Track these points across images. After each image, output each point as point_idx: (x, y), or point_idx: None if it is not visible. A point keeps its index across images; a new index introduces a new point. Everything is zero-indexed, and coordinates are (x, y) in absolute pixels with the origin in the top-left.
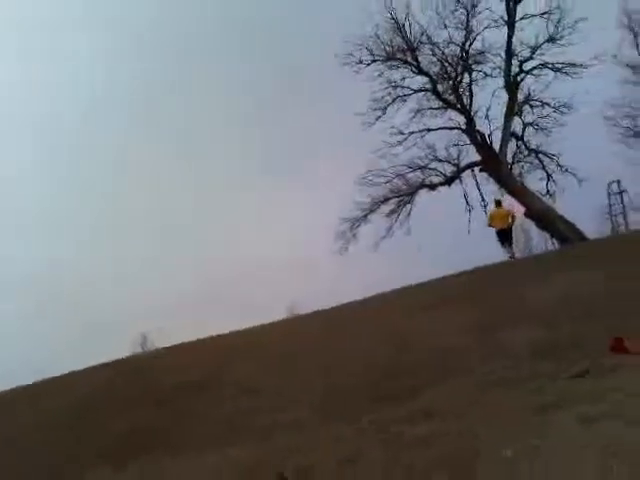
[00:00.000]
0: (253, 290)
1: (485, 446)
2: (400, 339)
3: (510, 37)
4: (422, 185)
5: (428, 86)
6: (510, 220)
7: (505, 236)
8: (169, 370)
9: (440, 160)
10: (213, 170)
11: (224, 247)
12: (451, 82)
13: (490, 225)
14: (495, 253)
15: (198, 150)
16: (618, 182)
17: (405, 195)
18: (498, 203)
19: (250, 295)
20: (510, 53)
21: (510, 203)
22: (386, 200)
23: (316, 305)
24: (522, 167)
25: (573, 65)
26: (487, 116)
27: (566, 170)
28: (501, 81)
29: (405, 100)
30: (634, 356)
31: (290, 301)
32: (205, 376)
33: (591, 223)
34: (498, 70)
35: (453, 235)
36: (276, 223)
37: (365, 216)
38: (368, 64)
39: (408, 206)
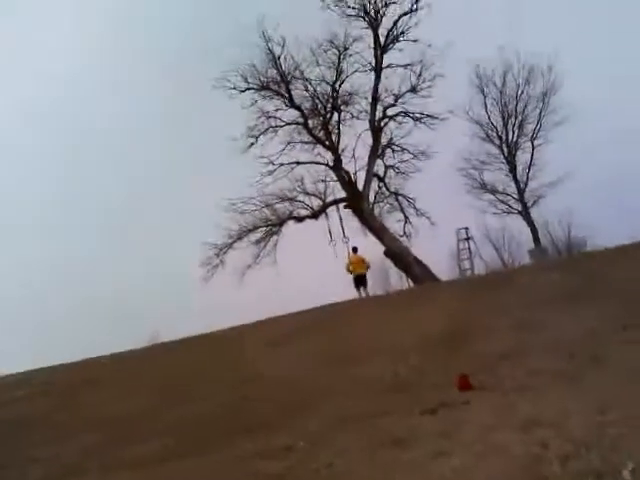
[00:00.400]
0: None
1: None
2: (252, 373)
3: (376, 83)
4: (290, 217)
5: (300, 120)
6: (366, 266)
7: (361, 280)
8: None
9: (308, 193)
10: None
11: None
12: (321, 119)
13: (348, 270)
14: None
15: None
16: (466, 229)
17: (273, 225)
18: (355, 250)
19: None
20: (376, 98)
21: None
22: (255, 229)
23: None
24: (382, 207)
25: (431, 116)
26: (353, 155)
27: (421, 214)
28: (367, 123)
29: (276, 131)
30: (480, 391)
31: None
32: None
33: (443, 264)
34: (364, 113)
35: (318, 267)
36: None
37: (232, 243)
38: (242, 91)
39: (275, 237)
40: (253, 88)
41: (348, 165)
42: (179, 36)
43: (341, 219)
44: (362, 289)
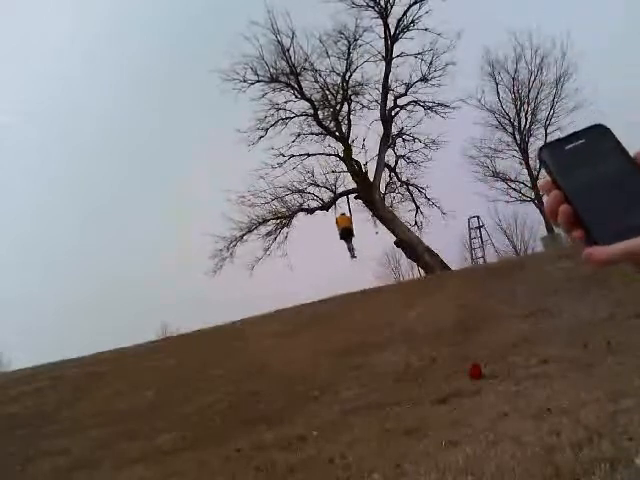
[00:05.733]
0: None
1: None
2: (262, 364)
3: (387, 73)
4: (300, 209)
5: (310, 111)
6: (350, 222)
7: (348, 233)
8: None
9: (318, 185)
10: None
11: None
12: (331, 110)
13: (337, 224)
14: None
15: None
16: (477, 217)
17: (283, 218)
18: (342, 214)
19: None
20: (386, 88)
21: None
22: (265, 221)
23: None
24: (393, 197)
25: (442, 105)
26: (363, 146)
27: (433, 203)
28: (377, 113)
29: (286, 123)
30: (492, 380)
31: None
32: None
33: (455, 253)
34: (375, 103)
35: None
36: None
37: (242, 236)
38: (252, 83)
39: (286, 229)
40: (263, 80)
41: (358, 156)
42: (187, 29)
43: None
44: (349, 241)
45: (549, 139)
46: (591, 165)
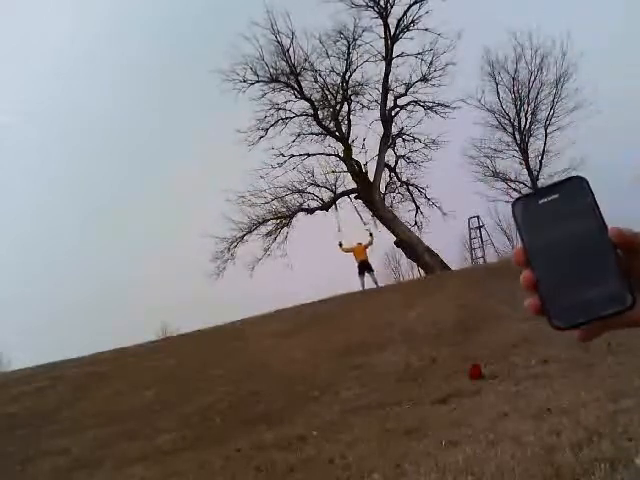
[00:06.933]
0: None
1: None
2: (262, 364)
3: (387, 73)
4: (300, 209)
5: (310, 111)
6: (366, 252)
7: (366, 266)
8: None
9: (318, 185)
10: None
11: None
12: (331, 110)
13: (354, 256)
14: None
15: None
16: (478, 217)
17: (283, 218)
18: (359, 243)
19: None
20: (386, 88)
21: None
22: (265, 221)
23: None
24: (393, 197)
25: (442, 105)
26: (363, 146)
27: (433, 203)
28: (377, 113)
29: (287, 123)
30: (492, 380)
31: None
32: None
33: (455, 253)
34: (375, 103)
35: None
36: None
37: (242, 236)
38: (252, 83)
39: (286, 229)
40: (263, 81)
41: (358, 156)
42: (187, 29)
43: (358, 212)
44: (371, 274)
45: (524, 192)
46: (557, 227)
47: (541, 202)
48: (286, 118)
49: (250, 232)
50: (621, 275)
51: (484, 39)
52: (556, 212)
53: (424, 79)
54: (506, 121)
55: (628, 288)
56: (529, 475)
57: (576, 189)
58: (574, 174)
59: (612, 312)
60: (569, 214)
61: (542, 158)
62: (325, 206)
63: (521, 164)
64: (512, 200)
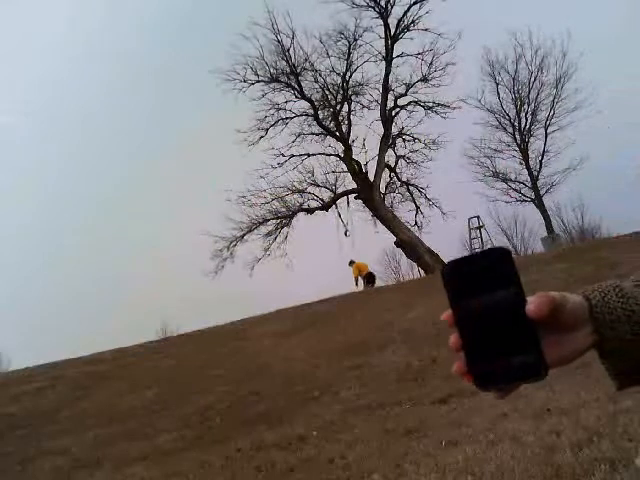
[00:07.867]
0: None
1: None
2: (262, 364)
3: (387, 73)
4: (300, 209)
5: (310, 111)
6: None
7: (373, 278)
8: None
9: (318, 185)
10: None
11: None
12: (331, 110)
13: (359, 271)
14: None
15: None
16: (478, 217)
17: (283, 218)
18: (362, 263)
19: None
20: (386, 88)
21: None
22: (265, 221)
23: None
24: (394, 198)
25: (442, 105)
26: (363, 146)
27: (433, 203)
28: (377, 113)
29: (287, 123)
30: None
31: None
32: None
33: (455, 253)
34: (375, 103)
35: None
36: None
37: (242, 236)
38: (252, 83)
39: (286, 229)
40: (263, 80)
41: (359, 156)
42: (187, 29)
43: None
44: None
45: (455, 256)
46: (480, 295)
47: (467, 270)
48: (286, 118)
49: (250, 232)
50: (536, 345)
51: (484, 39)
52: (480, 281)
53: (424, 79)
54: (506, 121)
55: (541, 359)
56: (529, 475)
57: (500, 260)
58: (497, 246)
59: (528, 380)
60: (492, 284)
61: (542, 158)
62: (325, 206)
63: (521, 164)
64: (444, 265)
